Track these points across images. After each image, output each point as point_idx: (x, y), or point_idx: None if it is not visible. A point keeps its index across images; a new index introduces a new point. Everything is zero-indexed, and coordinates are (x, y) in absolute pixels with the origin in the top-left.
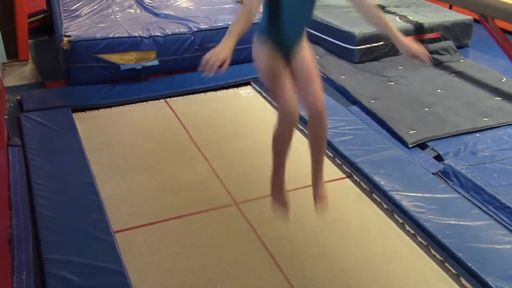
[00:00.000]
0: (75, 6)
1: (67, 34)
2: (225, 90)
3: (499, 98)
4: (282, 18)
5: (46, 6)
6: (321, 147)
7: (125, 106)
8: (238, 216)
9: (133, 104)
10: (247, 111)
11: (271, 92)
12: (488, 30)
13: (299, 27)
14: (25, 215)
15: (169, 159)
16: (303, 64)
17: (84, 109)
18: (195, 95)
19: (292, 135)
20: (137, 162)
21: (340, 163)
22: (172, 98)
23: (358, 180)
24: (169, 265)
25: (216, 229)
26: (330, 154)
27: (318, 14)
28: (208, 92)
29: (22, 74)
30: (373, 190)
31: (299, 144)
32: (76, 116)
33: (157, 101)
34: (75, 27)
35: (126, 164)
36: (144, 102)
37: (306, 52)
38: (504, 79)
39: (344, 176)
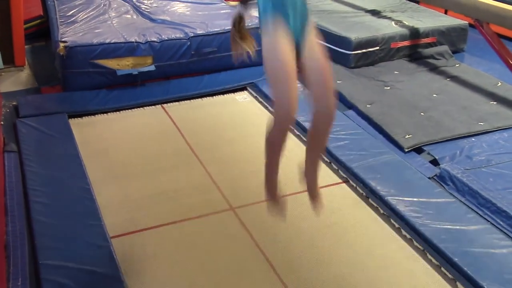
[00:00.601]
0: (71, 12)
1: (63, 39)
2: (221, 95)
3: (495, 103)
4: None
5: (42, 12)
6: (322, 147)
7: (121, 111)
8: (235, 221)
9: (129, 110)
10: (243, 117)
11: (274, 85)
12: (483, 35)
13: (304, 12)
14: (21, 221)
15: (166, 164)
16: (314, 57)
17: (80, 114)
18: (191, 100)
19: (287, 135)
20: (134, 167)
21: (336, 168)
22: (168, 104)
23: (355, 185)
24: (166, 270)
25: (212, 234)
26: (326, 159)
27: (314, 19)
28: (205, 98)
29: (18, 79)
30: (369, 195)
31: (296, 148)
32: (73, 122)
33: (153, 106)
34: (71, 33)
35: (122, 170)
36: (141, 108)
37: (317, 44)
38: (500, 84)
39: (340, 181)
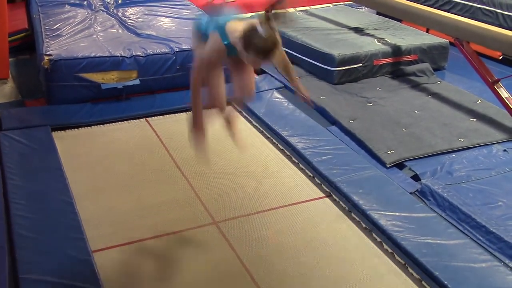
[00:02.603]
0: (56, 26)
1: (48, 53)
2: (206, 109)
3: (475, 119)
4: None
5: (27, 25)
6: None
7: (105, 125)
8: (218, 235)
9: (113, 123)
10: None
11: (198, 83)
12: (464, 53)
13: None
14: (2, 235)
15: (149, 178)
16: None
17: (64, 127)
18: (176, 114)
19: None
20: (117, 181)
21: (319, 182)
22: (153, 117)
23: (337, 199)
24: (148, 285)
25: (195, 248)
26: (309, 173)
27: (299, 36)
28: (190, 112)
29: (1, 92)
30: (352, 209)
31: (276, 165)
32: (56, 135)
33: (138, 120)
34: (56, 46)
35: (105, 184)
36: (125, 122)
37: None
38: (479, 101)
39: (323, 195)
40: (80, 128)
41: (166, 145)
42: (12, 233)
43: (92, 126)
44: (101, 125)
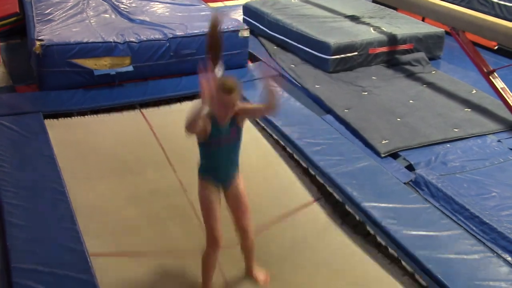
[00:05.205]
0: (48, 10)
1: (39, 38)
2: (200, 98)
3: (469, 110)
4: (215, 164)
5: (18, 9)
6: (252, 251)
7: (98, 115)
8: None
9: (107, 114)
10: None
11: (205, 221)
12: (459, 43)
13: (229, 170)
14: None
15: (142, 167)
16: (239, 197)
17: (56, 115)
18: (170, 105)
19: (217, 258)
20: (109, 170)
21: (313, 173)
22: (147, 108)
23: (331, 191)
24: (141, 271)
25: (186, 236)
26: (304, 165)
27: (294, 23)
28: (184, 102)
29: None
30: (346, 201)
31: (270, 156)
32: (48, 123)
33: (132, 111)
34: (48, 31)
35: (98, 172)
36: (118, 112)
37: (241, 188)
38: (474, 91)
39: (316, 188)
40: (72, 117)
41: (158, 135)
42: (3, 221)
43: (85, 116)
44: (94, 115)
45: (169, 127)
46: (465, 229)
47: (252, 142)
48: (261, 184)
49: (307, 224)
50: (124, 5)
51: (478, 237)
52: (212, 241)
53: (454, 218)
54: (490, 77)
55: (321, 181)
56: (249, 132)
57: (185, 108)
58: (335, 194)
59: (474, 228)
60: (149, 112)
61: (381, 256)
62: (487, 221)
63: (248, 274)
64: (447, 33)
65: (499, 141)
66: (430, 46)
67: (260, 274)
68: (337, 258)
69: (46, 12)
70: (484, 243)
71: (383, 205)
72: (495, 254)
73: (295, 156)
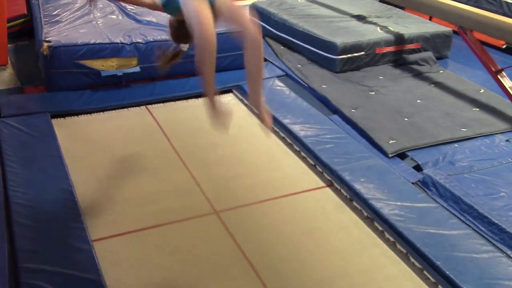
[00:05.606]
0: (56, 11)
1: (47, 39)
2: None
3: (477, 109)
4: None
5: (26, 11)
6: (260, 70)
7: (105, 112)
8: (218, 225)
9: (113, 111)
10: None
11: (192, 23)
12: (467, 42)
13: None
14: (1, 223)
15: (149, 166)
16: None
17: (63, 115)
18: (176, 102)
19: (214, 57)
20: (117, 169)
21: (321, 170)
22: (153, 105)
23: (339, 188)
24: (148, 274)
25: (195, 238)
26: (311, 162)
27: (300, 23)
28: (190, 100)
29: (0, 79)
30: (354, 198)
31: (277, 153)
32: (56, 122)
33: (138, 107)
34: (55, 33)
35: (105, 172)
36: (125, 109)
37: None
38: (482, 90)
39: (324, 185)
40: (80, 116)
41: (166, 133)
42: (11, 221)
43: (92, 114)
44: (101, 113)
45: (177, 123)
46: (473, 229)
47: (262, 136)
48: (269, 172)
49: (315, 213)
50: (131, 6)
51: (487, 237)
52: (204, 46)
53: (462, 218)
54: (498, 76)
55: (329, 178)
56: (255, 128)
57: (192, 105)
58: (343, 191)
59: (482, 228)
60: (155, 108)
61: (388, 251)
62: (496, 222)
63: (255, 111)
64: (454, 32)
65: (507, 140)
66: (437, 46)
67: (267, 116)
68: (345, 246)
69: (53, 13)
70: (493, 243)
71: (391, 203)
72: (504, 254)
73: (302, 154)
